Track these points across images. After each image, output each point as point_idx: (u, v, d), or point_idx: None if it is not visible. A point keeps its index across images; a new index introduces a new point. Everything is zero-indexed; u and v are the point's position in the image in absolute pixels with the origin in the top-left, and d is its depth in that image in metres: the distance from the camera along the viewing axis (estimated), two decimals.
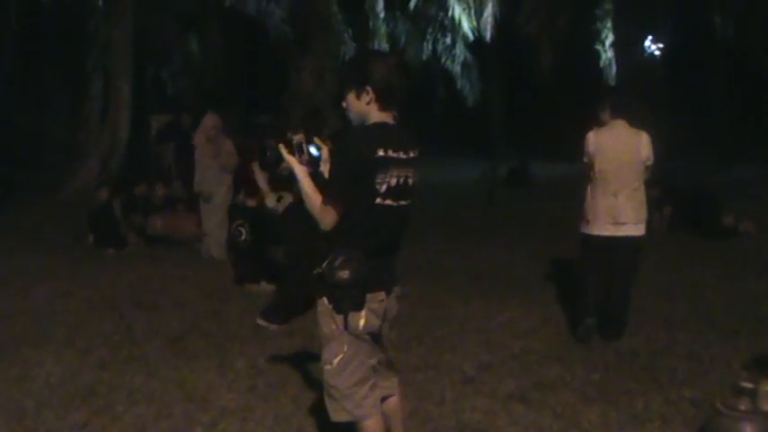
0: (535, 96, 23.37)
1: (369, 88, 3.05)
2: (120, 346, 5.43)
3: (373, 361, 3.23)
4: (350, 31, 18.19)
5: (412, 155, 3.12)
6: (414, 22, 20.79)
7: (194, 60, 21.13)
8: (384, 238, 3.10)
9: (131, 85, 15.52)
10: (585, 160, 5.64)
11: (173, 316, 6.27)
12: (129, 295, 6.95)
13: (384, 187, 3.02)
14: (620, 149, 5.53)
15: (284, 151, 3.19)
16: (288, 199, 6.40)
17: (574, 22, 16.45)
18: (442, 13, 19.63)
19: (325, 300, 3.08)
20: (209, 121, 8.56)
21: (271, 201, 6.85)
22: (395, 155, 3.04)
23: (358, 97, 3.09)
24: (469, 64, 21.24)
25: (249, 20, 19.55)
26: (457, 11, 18.56)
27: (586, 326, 5.63)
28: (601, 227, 5.54)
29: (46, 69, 20.27)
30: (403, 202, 3.12)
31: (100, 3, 17.52)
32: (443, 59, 21.09)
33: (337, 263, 2.96)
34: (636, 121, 5.61)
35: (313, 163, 3.23)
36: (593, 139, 5.59)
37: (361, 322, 3.05)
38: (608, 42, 19.20)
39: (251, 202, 7.75)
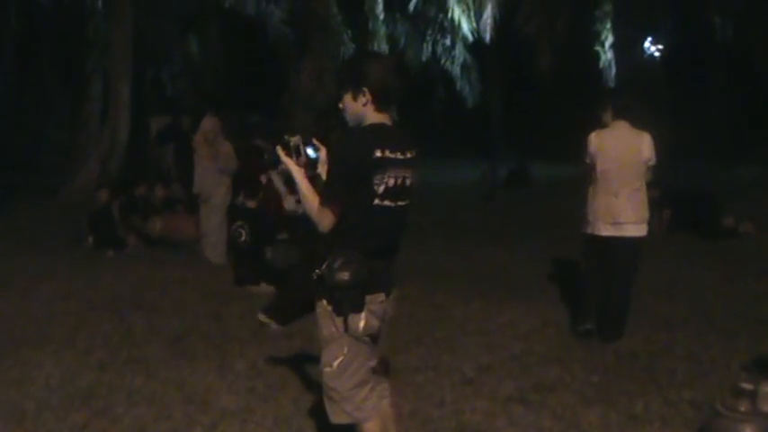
0: (535, 97, 23.37)
1: (365, 89, 3.05)
2: (119, 348, 5.43)
3: (373, 363, 3.22)
4: (349, 32, 18.17)
5: (410, 155, 3.12)
6: (413, 24, 20.79)
7: (194, 62, 21.12)
8: (383, 240, 3.10)
9: (131, 87, 15.52)
10: (587, 161, 5.67)
11: (172, 317, 6.27)
12: (128, 297, 6.95)
13: (382, 188, 3.02)
14: (621, 150, 5.54)
15: (281, 153, 3.20)
16: None
17: (573, 24, 16.47)
18: (441, 15, 19.62)
19: (324, 302, 3.08)
20: (208, 123, 8.56)
21: (290, 203, 6.86)
22: (392, 155, 3.04)
23: (355, 98, 3.09)
24: (469, 65, 21.24)
25: (249, 21, 19.57)
26: (456, 12, 18.56)
27: (585, 330, 5.66)
28: (601, 227, 5.56)
29: (46, 71, 20.27)
30: (401, 203, 3.12)
31: (99, 4, 17.50)
32: (443, 61, 21.09)
33: (337, 264, 2.96)
34: (637, 122, 5.62)
35: (310, 165, 3.23)
36: (595, 139, 5.61)
37: (361, 324, 3.05)
38: (607, 43, 19.18)
39: (251, 204, 7.76)
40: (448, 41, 20.60)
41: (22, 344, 5.50)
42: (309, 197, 3.09)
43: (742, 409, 3.46)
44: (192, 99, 18.89)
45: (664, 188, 9.69)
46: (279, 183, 7.09)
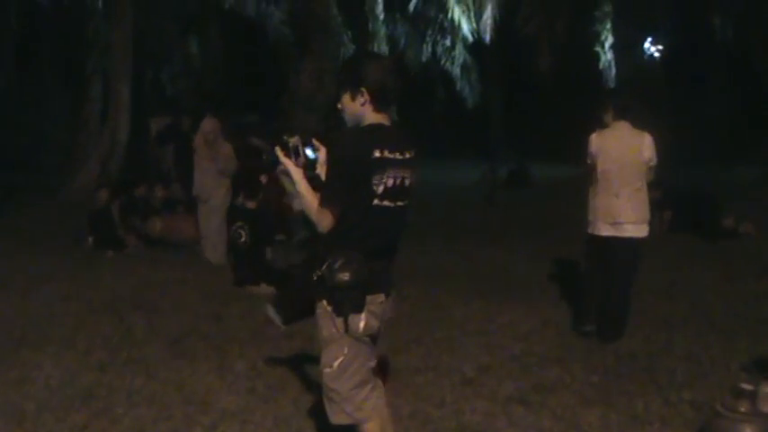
0: (535, 98, 23.38)
1: (363, 90, 3.05)
2: (119, 349, 5.43)
3: (372, 363, 3.22)
4: (349, 32, 18.19)
5: (408, 156, 3.12)
6: (413, 24, 20.81)
7: (194, 62, 21.14)
8: (382, 240, 3.10)
9: (131, 88, 15.52)
10: (588, 161, 5.68)
11: (172, 318, 6.27)
12: (128, 297, 6.95)
13: (381, 188, 3.02)
14: (622, 150, 5.55)
15: (280, 154, 3.20)
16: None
17: (573, 24, 16.47)
18: (441, 15, 19.63)
19: (324, 302, 3.08)
20: (208, 124, 8.55)
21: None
22: (391, 156, 3.04)
23: (353, 99, 3.09)
24: (469, 66, 21.26)
25: (249, 22, 19.58)
26: (456, 12, 18.56)
27: (585, 332, 5.69)
28: (601, 227, 5.58)
29: (46, 71, 20.28)
30: (400, 203, 3.12)
31: (99, 5, 17.50)
32: (443, 61, 21.10)
33: (337, 265, 2.96)
34: (638, 123, 5.63)
35: (309, 165, 3.23)
36: (596, 140, 5.63)
37: (361, 324, 3.05)
38: (607, 44, 19.19)
39: (251, 204, 7.75)
40: (448, 42, 20.61)
41: (22, 344, 5.50)
42: (308, 198, 3.09)
43: (742, 409, 3.46)
44: (192, 99, 18.89)
45: (665, 189, 9.69)
46: (287, 183, 7.09)
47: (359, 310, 3.02)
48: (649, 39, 18.06)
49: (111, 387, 4.68)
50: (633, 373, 4.98)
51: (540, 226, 11.18)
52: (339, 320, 3.04)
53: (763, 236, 9.89)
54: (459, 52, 20.70)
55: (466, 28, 18.81)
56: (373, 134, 3.06)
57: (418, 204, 3.40)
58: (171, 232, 9.54)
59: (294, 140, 3.20)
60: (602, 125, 5.69)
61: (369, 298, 3.05)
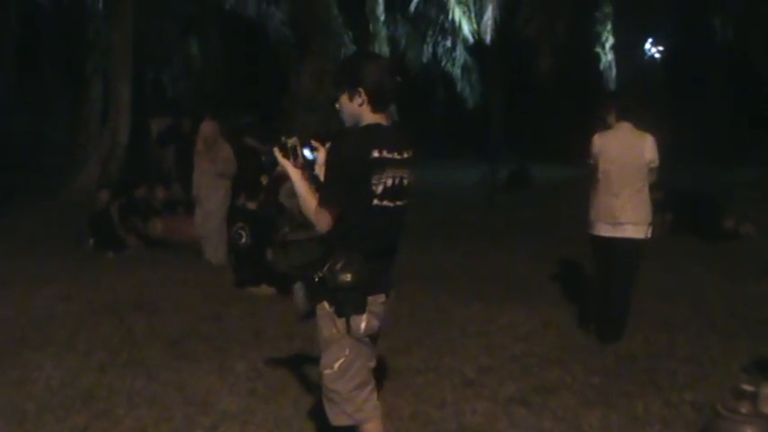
0: (535, 99, 23.38)
1: (361, 90, 3.05)
2: (120, 350, 5.43)
3: (373, 363, 3.22)
4: (350, 33, 18.20)
5: (407, 155, 3.12)
6: (414, 25, 20.84)
7: (194, 63, 21.16)
8: (382, 240, 3.10)
9: (131, 88, 15.53)
10: (591, 162, 5.69)
11: (173, 319, 6.27)
12: (129, 298, 6.95)
13: (380, 188, 3.02)
14: (623, 151, 5.56)
15: (279, 155, 3.20)
16: None
17: (574, 25, 16.48)
18: (442, 16, 19.67)
19: (325, 303, 3.07)
20: (207, 127, 8.56)
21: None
22: (390, 155, 3.04)
23: (351, 99, 3.09)
24: (469, 67, 21.29)
25: (249, 23, 19.58)
26: (457, 14, 18.59)
27: (587, 328, 5.69)
28: (602, 227, 5.58)
29: (46, 72, 20.31)
30: (399, 203, 3.12)
31: (100, 6, 17.54)
32: (443, 62, 21.14)
33: (338, 266, 2.96)
34: (641, 124, 5.64)
35: (307, 166, 3.23)
36: (598, 141, 5.64)
37: (363, 325, 3.05)
38: (608, 45, 19.23)
39: (251, 205, 7.76)
40: (449, 43, 20.66)
41: (23, 345, 5.50)
42: (307, 198, 3.10)
43: (743, 410, 3.46)
44: (193, 100, 18.93)
45: (666, 191, 9.69)
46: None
47: (361, 310, 3.03)
48: (650, 40, 18.05)
49: (111, 388, 4.68)
50: (634, 374, 4.97)
51: (541, 227, 11.18)
52: (340, 321, 3.04)
53: (764, 237, 9.88)
54: (460, 53, 20.73)
55: (466, 29, 18.84)
56: (372, 134, 3.07)
57: (418, 205, 3.40)
58: (172, 233, 9.54)
59: (292, 141, 3.21)
60: (605, 126, 5.70)
61: (370, 299, 3.05)
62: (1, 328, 5.93)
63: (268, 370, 5.00)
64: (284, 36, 18.47)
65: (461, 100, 21.93)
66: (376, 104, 3.09)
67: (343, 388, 3.11)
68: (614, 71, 18.73)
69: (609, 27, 18.85)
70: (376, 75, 3.07)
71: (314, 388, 4.39)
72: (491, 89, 23.81)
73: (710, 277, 7.81)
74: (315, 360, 3.53)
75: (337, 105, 3.17)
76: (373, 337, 3.17)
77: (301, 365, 4.90)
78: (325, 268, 2.99)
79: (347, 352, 3.07)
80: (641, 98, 9.25)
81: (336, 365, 3.09)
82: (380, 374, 4.10)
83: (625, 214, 5.48)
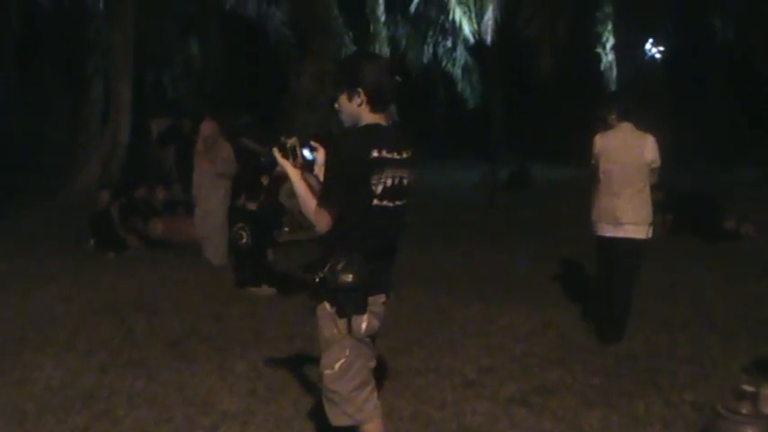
0: (536, 99, 23.36)
1: (360, 90, 3.05)
2: (120, 350, 5.43)
3: (373, 363, 3.22)
4: (350, 34, 18.22)
5: (406, 155, 3.12)
6: (414, 26, 20.85)
7: (195, 64, 21.16)
8: (382, 240, 3.10)
9: (132, 89, 15.54)
10: (592, 162, 5.70)
11: (173, 319, 6.27)
12: (129, 299, 6.95)
13: (380, 188, 3.02)
14: (624, 151, 5.56)
15: (278, 155, 3.20)
16: None
17: (574, 26, 16.48)
18: (442, 17, 19.69)
19: (326, 304, 3.07)
20: (206, 128, 8.55)
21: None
22: (389, 155, 3.04)
23: (350, 99, 3.09)
24: (470, 67, 21.31)
25: (249, 23, 19.60)
26: (457, 14, 18.61)
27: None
28: (603, 227, 5.59)
29: (46, 72, 20.30)
30: (399, 203, 3.12)
31: (100, 6, 17.54)
32: (444, 62, 21.16)
33: (339, 266, 2.96)
34: (641, 124, 5.65)
35: (307, 166, 3.23)
36: (599, 141, 5.65)
37: (364, 325, 3.05)
38: (608, 45, 19.23)
39: (252, 206, 7.76)
40: (449, 43, 20.68)
41: (23, 345, 5.50)
42: (306, 198, 3.10)
43: (743, 411, 3.46)
44: (193, 101, 18.93)
45: (667, 191, 9.68)
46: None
47: (362, 311, 3.03)
48: (650, 40, 18.03)
49: (111, 388, 4.68)
50: (634, 375, 4.97)
51: (541, 227, 11.18)
52: (341, 322, 3.04)
53: (764, 237, 9.88)
54: (461, 53, 20.75)
55: (467, 29, 18.86)
56: (371, 134, 3.06)
57: (418, 205, 3.40)
58: (172, 233, 9.55)
59: (292, 141, 3.21)
60: (606, 126, 5.71)
61: (371, 299, 3.05)
62: (1, 329, 5.94)
63: (268, 370, 5.00)
64: (284, 36, 18.48)
65: (462, 100, 21.94)
66: (375, 104, 3.09)
67: (344, 388, 3.11)
68: (615, 71, 18.73)
69: (609, 27, 18.86)
70: (375, 75, 3.07)
71: (314, 388, 4.39)
72: (491, 89, 23.81)
73: (711, 277, 7.81)
74: (315, 360, 3.54)
75: (336, 105, 3.17)
76: (373, 337, 3.17)
77: (301, 366, 4.90)
78: (326, 269, 2.99)
79: (348, 352, 3.07)
80: (642, 98, 9.25)
81: (337, 366, 3.09)
82: (380, 375, 4.10)
83: (626, 214, 5.49)
